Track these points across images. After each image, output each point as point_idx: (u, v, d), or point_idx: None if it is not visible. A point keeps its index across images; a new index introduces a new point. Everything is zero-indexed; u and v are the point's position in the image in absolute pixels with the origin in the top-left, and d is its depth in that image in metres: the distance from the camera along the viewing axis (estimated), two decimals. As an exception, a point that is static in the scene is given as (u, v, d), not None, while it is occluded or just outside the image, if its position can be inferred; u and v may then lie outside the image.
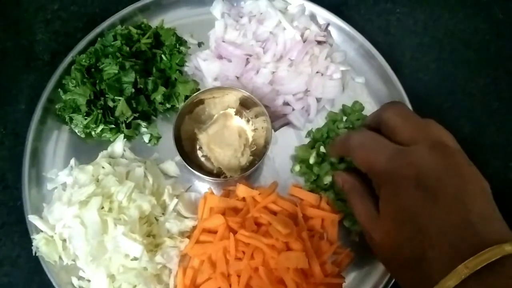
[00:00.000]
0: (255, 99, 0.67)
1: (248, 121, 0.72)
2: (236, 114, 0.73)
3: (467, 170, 0.45)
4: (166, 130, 0.72)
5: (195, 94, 0.68)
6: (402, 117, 0.52)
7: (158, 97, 0.69)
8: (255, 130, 0.72)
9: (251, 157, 0.70)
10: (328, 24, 0.78)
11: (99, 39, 0.73)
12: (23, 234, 0.66)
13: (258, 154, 0.70)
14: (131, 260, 0.60)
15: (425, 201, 0.43)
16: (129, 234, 0.58)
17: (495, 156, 0.77)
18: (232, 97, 0.70)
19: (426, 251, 0.41)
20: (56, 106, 0.70)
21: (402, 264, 0.45)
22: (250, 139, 0.72)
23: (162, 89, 0.69)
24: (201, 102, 0.70)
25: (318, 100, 0.74)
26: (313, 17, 0.78)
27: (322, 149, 0.69)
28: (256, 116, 0.71)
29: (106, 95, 0.67)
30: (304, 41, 0.74)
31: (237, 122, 0.72)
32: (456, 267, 0.38)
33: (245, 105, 0.71)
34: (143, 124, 0.71)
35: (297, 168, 0.71)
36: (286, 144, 0.73)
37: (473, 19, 0.85)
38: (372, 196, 0.53)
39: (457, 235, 0.40)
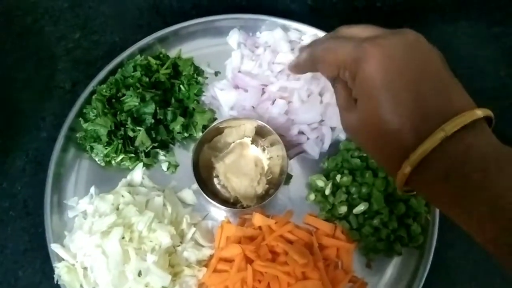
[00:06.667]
0: (270, 128, 0.69)
1: (263, 149, 0.74)
2: (251, 142, 0.74)
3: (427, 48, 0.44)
4: (183, 158, 0.74)
5: (214, 124, 0.69)
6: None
7: (177, 127, 0.71)
8: (270, 158, 0.73)
9: (267, 186, 0.72)
10: (341, 54, 0.79)
11: (119, 69, 0.74)
12: (44, 260, 0.68)
13: (274, 182, 0.71)
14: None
15: (394, 74, 0.41)
16: (158, 264, 0.60)
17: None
18: (249, 126, 0.72)
19: (404, 122, 0.40)
20: (77, 135, 0.72)
21: (381, 140, 0.43)
22: (266, 168, 0.73)
23: (180, 119, 0.71)
24: (219, 131, 0.72)
25: (333, 129, 0.75)
26: (327, 47, 0.80)
27: (337, 178, 0.70)
28: (272, 145, 0.72)
29: (126, 126, 0.69)
30: (319, 71, 0.75)
31: (253, 151, 0.74)
32: (434, 131, 0.38)
33: (260, 133, 0.73)
34: (162, 152, 0.73)
35: (312, 197, 0.72)
36: (301, 173, 0.74)
37: (485, 46, 0.86)
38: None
39: (432, 102, 0.40)
